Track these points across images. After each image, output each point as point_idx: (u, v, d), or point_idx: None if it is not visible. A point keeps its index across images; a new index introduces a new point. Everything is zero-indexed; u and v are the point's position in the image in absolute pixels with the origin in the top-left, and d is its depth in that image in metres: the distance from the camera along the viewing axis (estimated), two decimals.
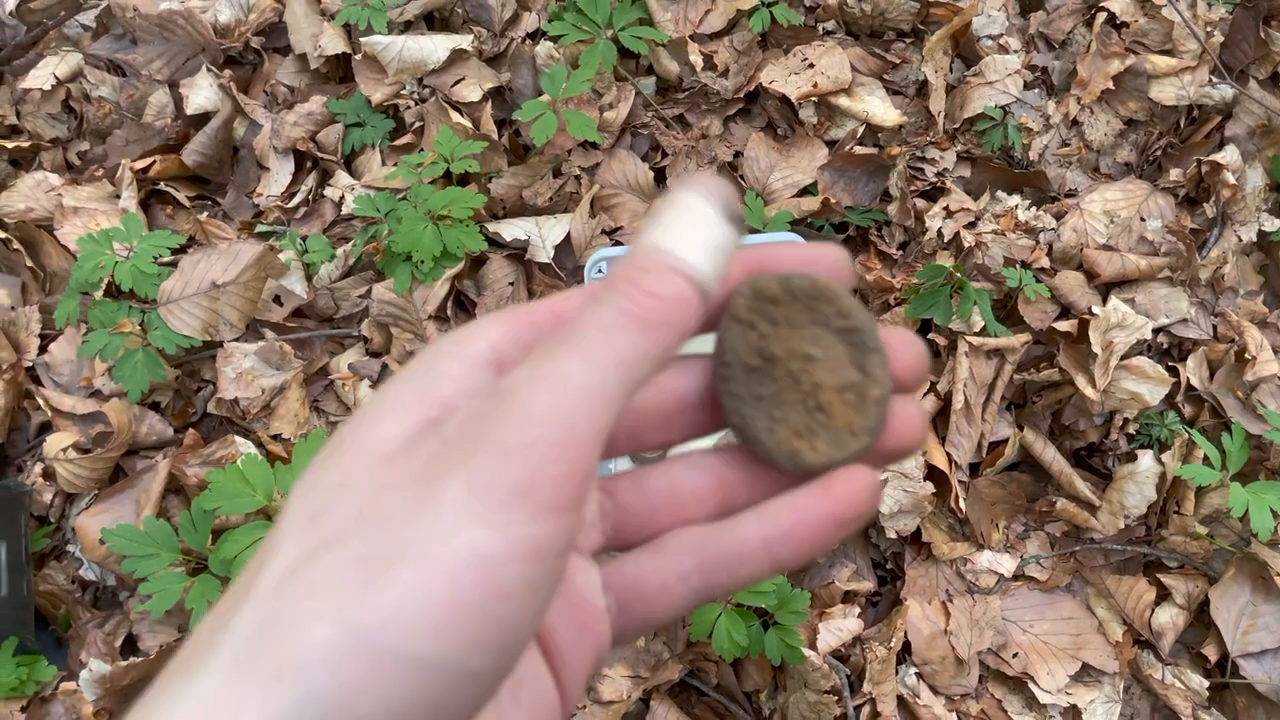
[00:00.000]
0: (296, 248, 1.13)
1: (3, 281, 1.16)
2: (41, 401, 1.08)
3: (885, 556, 1.04)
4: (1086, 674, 0.97)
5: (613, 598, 0.30)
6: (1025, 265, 1.11)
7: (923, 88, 1.21)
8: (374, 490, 0.24)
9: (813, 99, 1.18)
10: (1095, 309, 1.06)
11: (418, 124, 1.21)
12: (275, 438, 1.06)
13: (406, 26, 1.24)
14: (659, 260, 0.26)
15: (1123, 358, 1.03)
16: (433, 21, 1.27)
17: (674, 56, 1.21)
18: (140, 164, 1.20)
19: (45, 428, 1.10)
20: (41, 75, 1.26)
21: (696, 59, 1.19)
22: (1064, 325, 1.06)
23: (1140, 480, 1.00)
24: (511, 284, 1.13)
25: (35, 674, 0.97)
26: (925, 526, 1.02)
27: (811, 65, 1.18)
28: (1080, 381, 1.02)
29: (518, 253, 1.14)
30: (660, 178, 1.19)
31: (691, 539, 0.29)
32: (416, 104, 1.21)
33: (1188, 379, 1.05)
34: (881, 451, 0.30)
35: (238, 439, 1.05)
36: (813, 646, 0.93)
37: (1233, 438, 0.96)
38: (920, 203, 1.16)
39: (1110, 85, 1.16)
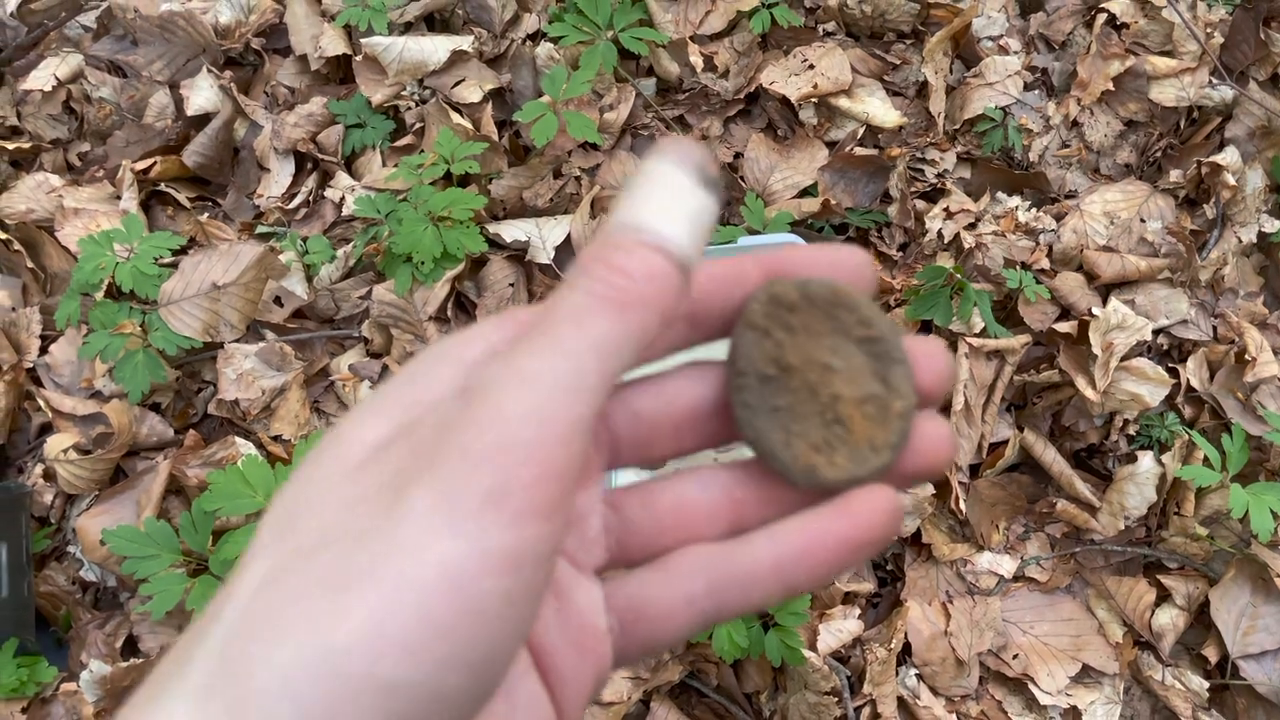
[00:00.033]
0: (297, 249, 1.13)
1: (3, 282, 1.16)
2: (42, 402, 1.08)
3: (885, 558, 1.04)
4: (1087, 675, 0.97)
5: (615, 618, 0.28)
6: (1025, 266, 1.11)
7: (923, 89, 1.21)
8: (343, 503, 0.23)
9: (813, 100, 1.18)
10: (1095, 310, 1.06)
11: (418, 125, 1.21)
12: (276, 439, 1.06)
13: (407, 28, 1.24)
14: (630, 236, 0.24)
15: (1123, 359, 1.03)
16: (433, 23, 1.27)
17: (674, 58, 1.21)
18: (141, 165, 1.20)
19: (46, 429, 1.10)
20: (42, 76, 1.26)
21: (697, 60, 1.19)
22: (1064, 326, 1.06)
23: (1140, 481, 1.00)
24: (512, 285, 1.13)
25: (36, 675, 0.97)
26: (925, 528, 1.02)
27: (812, 66, 1.18)
28: (1080, 383, 1.02)
29: (518, 254, 1.14)
30: None
31: (700, 559, 0.28)
32: (417, 105, 1.21)
33: (1188, 380, 1.06)
34: (904, 470, 0.28)
35: (238, 440, 1.05)
36: (813, 648, 0.93)
37: (1233, 439, 0.96)
38: (920, 204, 1.16)
39: (1110, 86, 1.16)
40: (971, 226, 1.13)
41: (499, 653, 0.22)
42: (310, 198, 1.20)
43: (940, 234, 1.11)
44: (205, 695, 0.20)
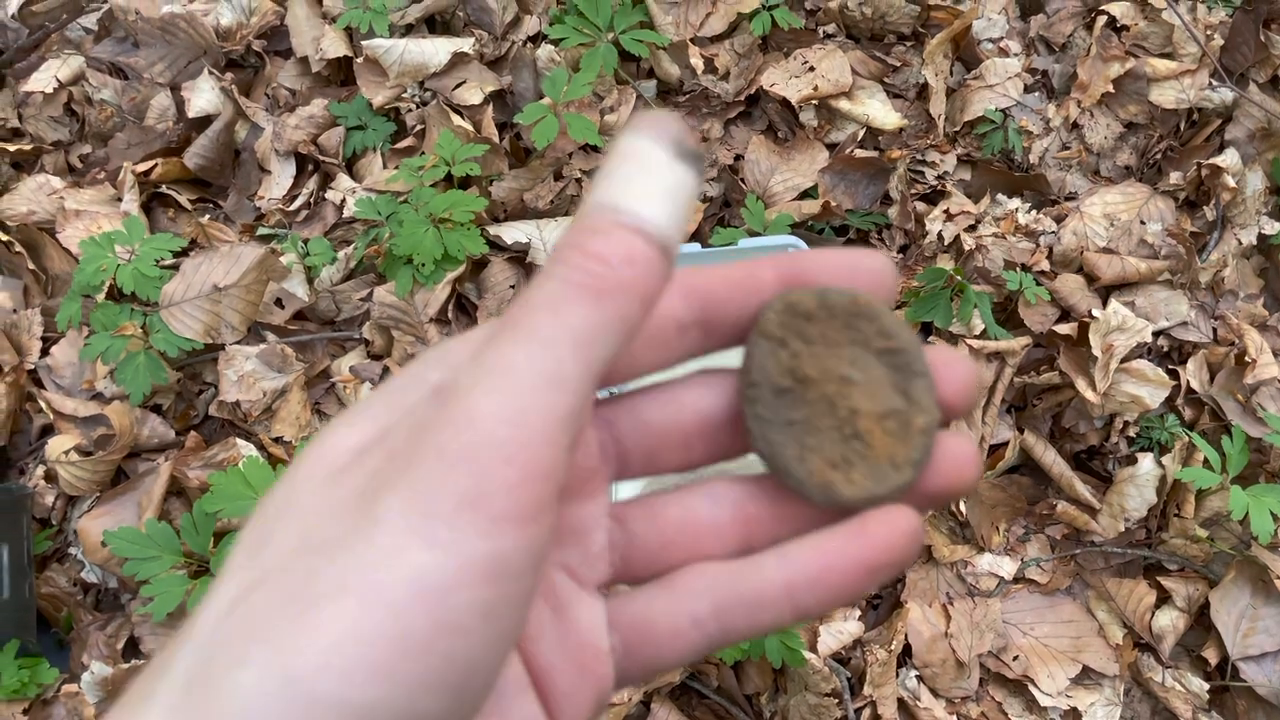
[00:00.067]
0: (298, 250, 1.13)
1: (5, 284, 1.16)
2: (43, 404, 1.08)
3: None
4: (1087, 677, 0.97)
5: (618, 637, 0.27)
6: (1025, 268, 1.11)
7: (923, 91, 1.21)
8: (315, 514, 0.22)
9: (813, 102, 1.18)
10: (1095, 312, 1.06)
11: (419, 127, 1.21)
12: (277, 440, 1.06)
13: (408, 30, 1.24)
14: (606, 219, 0.22)
15: (1123, 361, 1.03)
16: (434, 25, 1.27)
17: (675, 59, 1.21)
18: (142, 167, 1.20)
19: (47, 430, 1.10)
20: (43, 78, 1.26)
21: (697, 62, 1.19)
22: (1064, 328, 1.06)
23: (1140, 483, 1.00)
24: (513, 287, 1.13)
25: (37, 676, 0.97)
26: (926, 529, 1.02)
27: (812, 68, 1.18)
28: (1080, 384, 1.02)
29: (519, 255, 1.14)
30: None
31: (708, 578, 0.27)
32: (418, 107, 1.22)
33: (1188, 382, 1.06)
34: (926, 490, 0.27)
35: (239, 441, 1.05)
36: (813, 649, 0.94)
37: (1233, 441, 0.97)
38: (920, 206, 1.16)
39: (1110, 88, 1.16)
40: (972, 228, 1.13)
41: (481, 670, 0.21)
42: (311, 200, 1.20)
43: (940, 236, 1.12)
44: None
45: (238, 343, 1.09)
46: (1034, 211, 1.14)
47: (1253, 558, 0.96)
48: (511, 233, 1.12)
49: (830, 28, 1.24)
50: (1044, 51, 1.24)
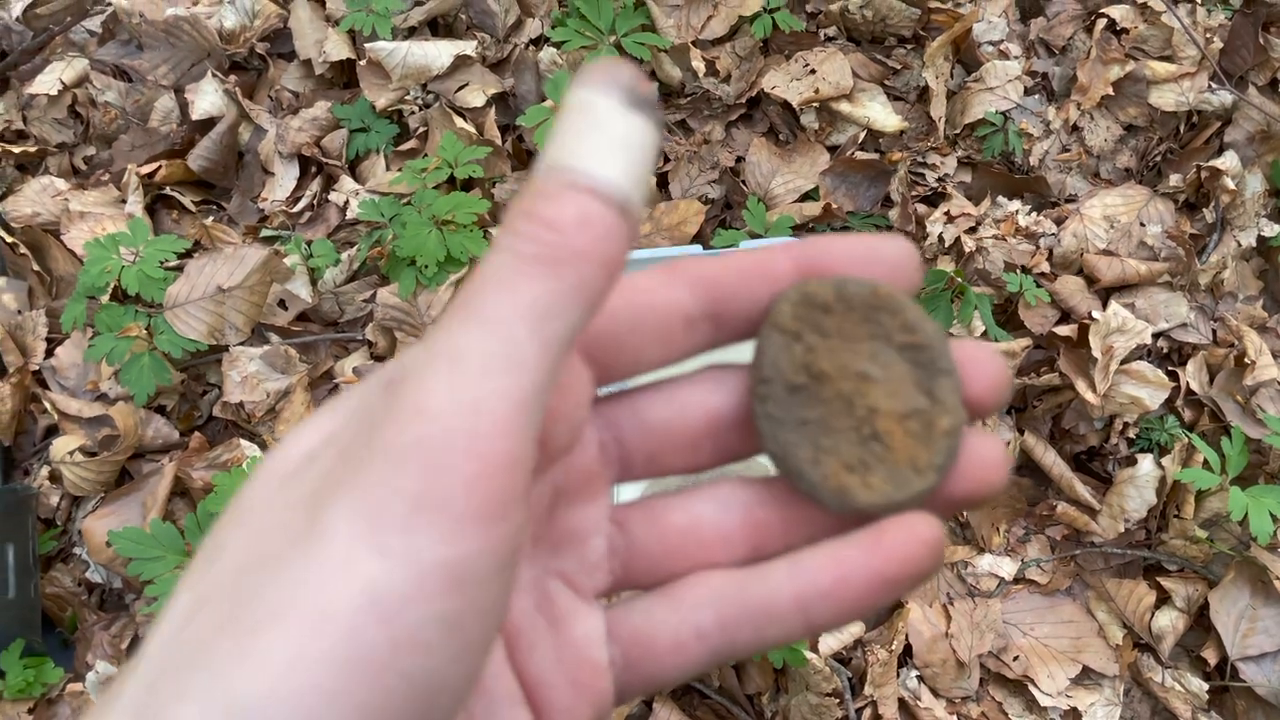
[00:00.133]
0: (301, 252, 1.13)
1: (9, 286, 1.16)
2: (48, 405, 1.09)
3: None
4: (1087, 677, 0.98)
5: (618, 650, 0.25)
6: (1026, 270, 1.11)
7: (924, 93, 1.21)
8: (264, 524, 0.20)
9: (814, 105, 1.18)
10: (1095, 314, 1.07)
11: (422, 129, 1.22)
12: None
13: (410, 32, 1.25)
14: (554, 181, 0.20)
15: (1123, 362, 1.04)
16: (436, 28, 1.27)
17: (676, 62, 1.21)
18: (146, 169, 1.21)
19: (52, 431, 1.11)
20: (48, 80, 1.27)
21: (699, 65, 1.20)
22: (1064, 330, 1.07)
23: (1140, 484, 1.00)
24: None
25: (42, 676, 0.97)
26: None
27: (813, 71, 1.19)
28: (1080, 386, 1.03)
29: None
30: (663, 182, 1.19)
31: (713, 588, 0.25)
32: (420, 109, 1.22)
33: (1187, 383, 1.06)
34: (950, 495, 0.25)
35: (243, 442, 1.05)
36: (814, 649, 0.94)
37: (1232, 442, 0.97)
38: (921, 208, 1.16)
39: (1110, 91, 1.17)
40: (972, 230, 1.13)
41: (448, 688, 0.19)
42: (314, 201, 1.21)
43: (941, 238, 1.12)
44: None
45: (241, 344, 1.09)
46: (1034, 214, 1.15)
47: (1252, 558, 0.96)
48: None
49: (831, 30, 1.24)
50: (1044, 54, 1.25)
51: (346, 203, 1.18)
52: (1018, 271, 1.10)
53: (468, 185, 1.15)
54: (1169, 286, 1.11)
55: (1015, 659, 0.98)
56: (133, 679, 0.19)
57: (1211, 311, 1.12)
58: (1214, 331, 1.11)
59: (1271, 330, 1.10)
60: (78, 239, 1.16)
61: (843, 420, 0.25)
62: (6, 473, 1.10)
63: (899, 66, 1.23)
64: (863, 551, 0.24)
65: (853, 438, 0.25)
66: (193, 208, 1.21)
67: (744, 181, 1.18)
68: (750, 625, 0.24)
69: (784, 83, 1.18)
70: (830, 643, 0.95)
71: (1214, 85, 1.17)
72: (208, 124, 1.24)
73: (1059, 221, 1.14)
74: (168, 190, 1.22)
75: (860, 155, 1.17)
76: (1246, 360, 1.05)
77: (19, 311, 1.15)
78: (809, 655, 0.91)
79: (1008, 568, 1.02)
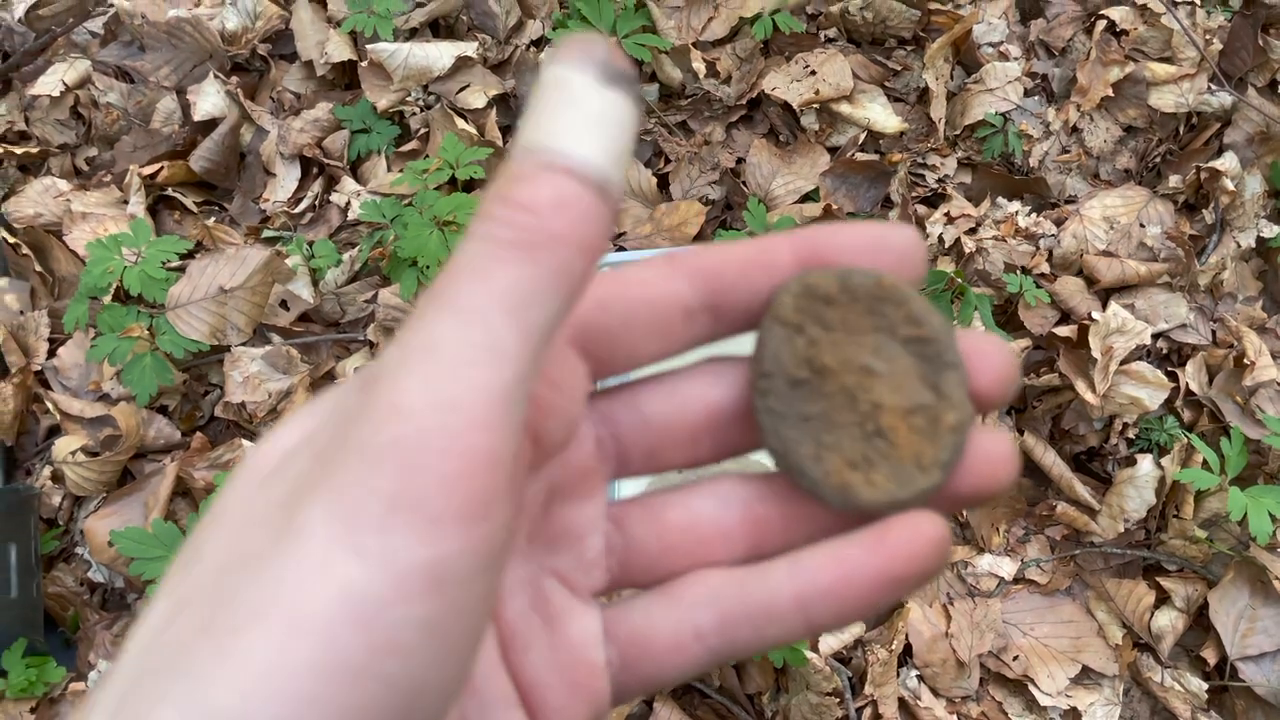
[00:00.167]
0: (303, 253, 1.14)
1: (12, 286, 1.17)
2: (50, 405, 1.09)
3: None
4: (1086, 676, 0.98)
5: (615, 650, 0.24)
6: (1025, 271, 1.11)
7: (924, 95, 1.22)
8: (241, 525, 0.19)
9: (814, 106, 1.19)
10: (1095, 314, 1.07)
11: (423, 130, 1.22)
12: None
13: (412, 34, 1.25)
14: (529, 162, 0.20)
15: (1122, 363, 1.04)
16: (438, 29, 1.28)
17: (677, 64, 1.22)
18: (148, 170, 1.21)
19: (54, 431, 1.11)
20: (50, 82, 1.27)
21: (699, 66, 1.20)
22: (1064, 330, 1.07)
23: (1140, 484, 1.00)
24: None
25: (44, 675, 0.97)
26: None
27: (813, 72, 1.19)
28: (1080, 386, 1.03)
29: None
30: (664, 183, 1.20)
31: (712, 587, 0.24)
32: (422, 111, 1.22)
33: (1187, 384, 1.06)
34: (956, 493, 0.24)
35: (245, 442, 1.05)
36: (814, 649, 0.94)
37: (1231, 442, 0.97)
38: (921, 209, 1.17)
39: (1110, 92, 1.17)
40: (972, 231, 1.13)
41: (430, 692, 0.18)
42: (316, 202, 1.21)
43: (941, 239, 1.12)
44: None
45: (243, 344, 1.10)
46: (1034, 214, 1.15)
47: (1251, 558, 0.96)
48: None
49: (831, 32, 1.25)
50: (1044, 56, 1.25)
51: (348, 204, 1.19)
52: (1017, 272, 1.10)
53: (469, 186, 1.16)
54: (1168, 287, 1.11)
55: (1015, 659, 0.98)
56: (113, 681, 0.18)
57: (1211, 312, 1.12)
58: (1213, 332, 1.11)
59: (1271, 331, 1.11)
60: (80, 240, 1.17)
61: (846, 416, 0.24)
62: (9, 473, 1.10)
63: (899, 68, 1.23)
64: (865, 551, 0.23)
65: (856, 434, 0.24)
66: (194, 209, 1.21)
67: (744, 182, 1.18)
68: (750, 625, 0.24)
69: (784, 84, 1.19)
70: (830, 642, 0.95)
71: (1213, 87, 1.17)
72: (209, 125, 1.24)
73: (1059, 222, 1.15)
74: (170, 191, 1.22)
75: (860, 156, 1.17)
76: (1246, 361, 1.05)
77: (21, 312, 1.16)
78: (809, 655, 0.92)
79: (1008, 568, 1.02)
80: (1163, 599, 1.00)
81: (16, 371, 1.10)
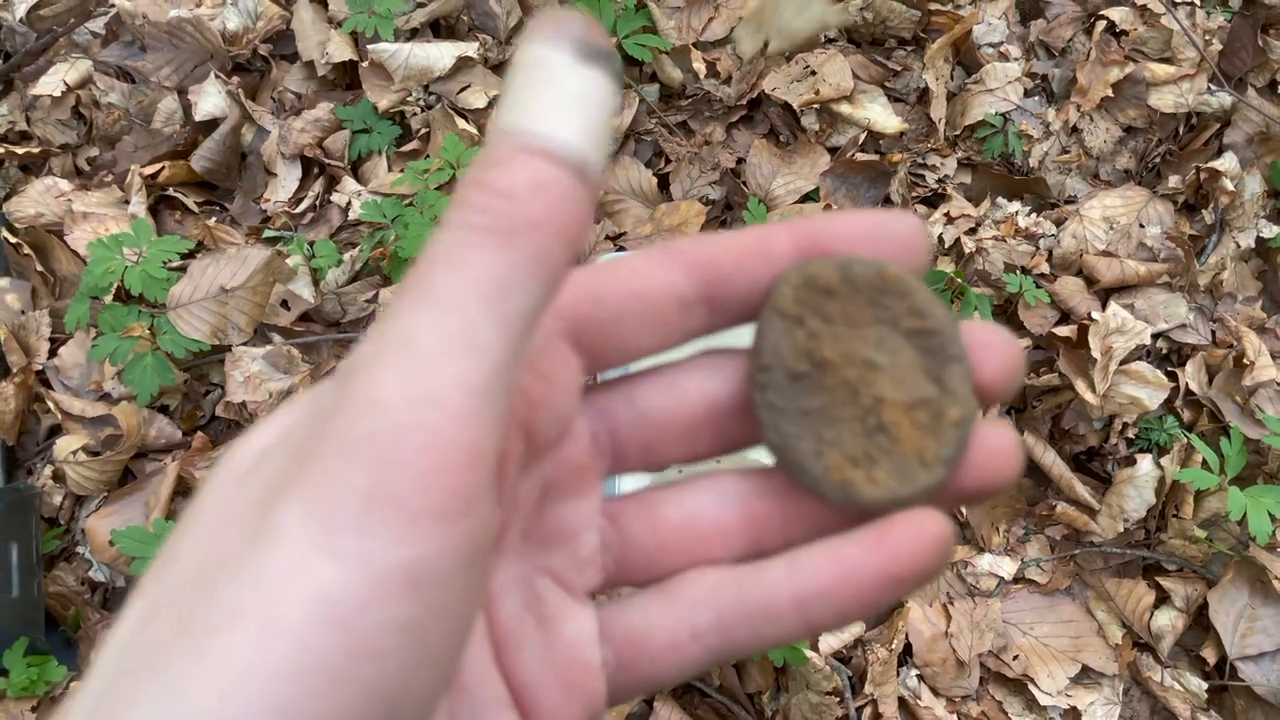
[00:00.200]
0: (304, 253, 1.14)
1: (13, 286, 1.17)
2: (51, 405, 1.09)
3: None
4: (1086, 676, 0.98)
5: (610, 650, 0.24)
6: (1025, 271, 1.11)
7: (924, 95, 1.22)
8: (217, 524, 0.19)
9: (815, 106, 1.19)
10: (1095, 314, 1.07)
11: (424, 130, 1.22)
12: None
13: (413, 34, 1.25)
14: (506, 145, 0.19)
15: (1122, 363, 1.04)
16: (439, 29, 1.28)
17: (677, 63, 1.22)
18: (149, 170, 1.21)
19: (55, 431, 1.11)
20: (51, 82, 1.27)
21: (699, 66, 1.20)
22: (1064, 330, 1.07)
23: (1139, 484, 1.01)
24: None
25: (45, 674, 0.98)
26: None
27: (813, 73, 1.19)
28: (1080, 386, 1.03)
29: None
30: (664, 184, 1.20)
31: (710, 586, 0.24)
32: (423, 111, 1.23)
33: (1186, 384, 1.06)
34: (960, 489, 0.24)
35: None
36: (814, 648, 0.94)
37: (1231, 442, 0.97)
38: (921, 209, 1.17)
39: (1110, 93, 1.17)
40: (972, 231, 1.14)
41: (412, 696, 0.18)
42: (317, 202, 1.21)
43: (941, 239, 1.12)
44: None
45: (244, 344, 1.10)
46: (1034, 215, 1.15)
47: (1251, 558, 0.97)
48: None
49: (831, 32, 1.25)
50: (1044, 56, 1.25)
51: (349, 204, 1.19)
52: (1017, 272, 1.10)
53: None
54: (1168, 287, 1.11)
55: (1015, 658, 0.98)
56: (92, 682, 0.18)
57: (1210, 312, 1.12)
58: (1213, 332, 1.11)
59: (1270, 331, 1.11)
60: (81, 239, 1.17)
61: (847, 410, 0.24)
62: (10, 472, 1.10)
63: (899, 68, 1.23)
64: (866, 549, 0.23)
65: (857, 429, 0.24)
66: (195, 208, 1.21)
67: (745, 183, 1.19)
68: (748, 625, 0.23)
69: (784, 84, 1.19)
70: (830, 641, 0.95)
71: (1213, 87, 1.17)
72: (210, 125, 1.24)
73: (1058, 222, 1.15)
74: (171, 191, 1.22)
75: (861, 156, 1.18)
76: (1245, 361, 1.05)
77: (22, 311, 1.16)
78: (809, 654, 0.92)
79: (1007, 567, 1.02)
80: (1162, 599, 1.00)
81: (18, 371, 1.10)
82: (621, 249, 1.14)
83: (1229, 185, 1.12)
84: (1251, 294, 1.14)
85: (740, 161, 1.20)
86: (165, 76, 1.29)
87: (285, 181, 1.22)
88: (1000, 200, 1.17)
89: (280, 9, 1.30)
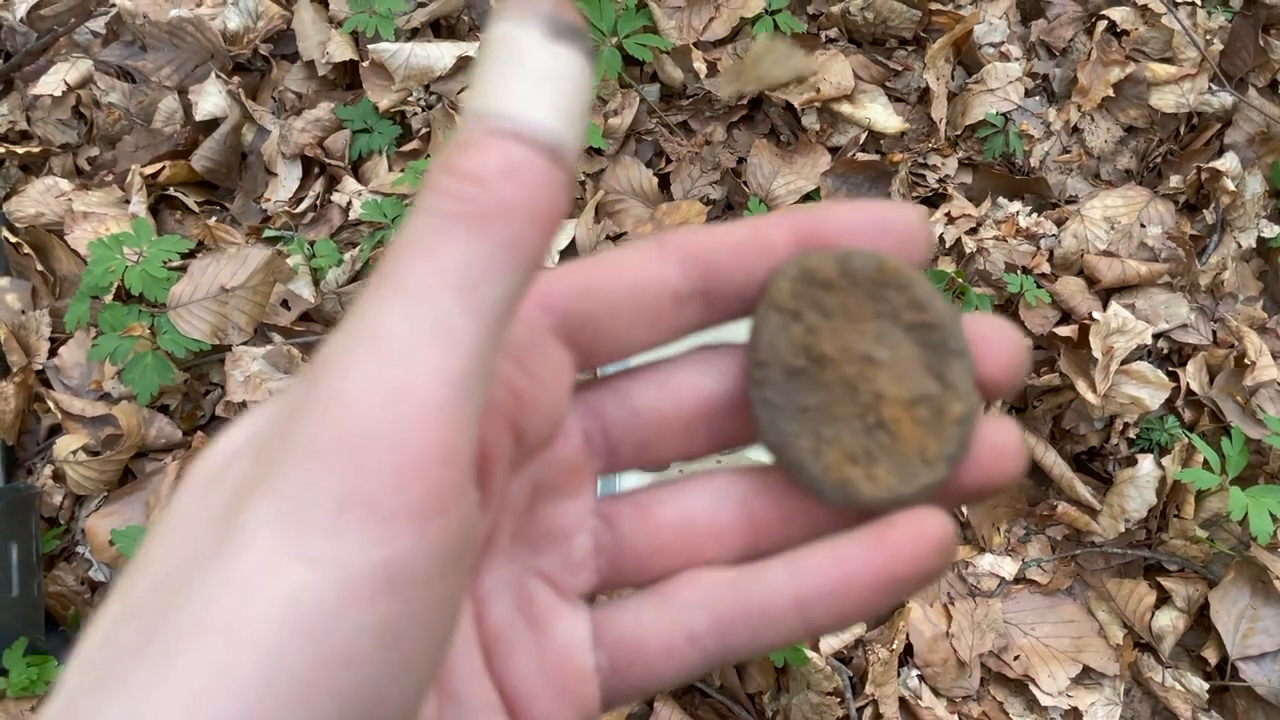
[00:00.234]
0: (304, 252, 1.14)
1: (13, 285, 1.17)
2: (51, 404, 1.09)
3: None
4: (1087, 676, 0.98)
5: (604, 655, 0.23)
6: (1026, 271, 1.11)
7: (924, 95, 1.22)
8: (186, 528, 0.18)
9: (815, 106, 1.19)
10: (1096, 314, 1.07)
11: (424, 130, 1.22)
12: None
13: (413, 34, 1.25)
14: (475, 128, 0.18)
15: (1123, 363, 1.04)
16: (439, 29, 1.28)
17: (678, 63, 1.22)
18: (150, 169, 1.21)
19: (55, 430, 1.11)
20: (52, 81, 1.27)
21: (700, 66, 1.20)
22: (1065, 330, 1.07)
23: (1140, 484, 1.00)
24: None
25: (45, 674, 0.97)
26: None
27: (815, 73, 1.19)
28: (1081, 386, 1.03)
29: None
30: (665, 183, 1.20)
31: (707, 588, 0.23)
32: (423, 111, 1.23)
33: (1187, 384, 1.06)
34: (962, 487, 0.23)
35: None
36: (815, 648, 0.94)
37: (1232, 442, 0.97)
38: (922, 209, 1.17)
39: (1111, 92, 1.17)
40: (973, 231, 1.13)
41: (390, 702, 0.17)
42: (317, 202, 1.21)
43: (942, 239, 1.12)
44: None
45: (244, 344, 1.10)
46: (1035, 214, 1.15)
47: (1252, 558, 0.96)
48: None
49: (832, 32, 1.25)
50: (1045, 56, 1.25)
51: (349, 203, 1.19)
52: (1018, 272, 1.10)
53: None
54: (1169, 287, 1.11)
55: (1016, 658, 0.98)
56: (55, 699, 0.17)
57: (1211, 312, 1.12)
58: (1214, 332, 1.11)
59: (1271, 331, 1.11)
60: (81, 239, 1.17)
61: (846, 407, 0.23)
62: (10, 472, 1.10)
63: (900, 68, 1.23)
64: (866, 550, 0.22)
65: (857, 426, 0.23)
66: (196, 208, 1.21)
67: (745, 182, 1.19)
68: (746, 628, 0.23)
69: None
70: (831, 642, 0.95)
71: (1214, 87, 1.17)
72: (211, 125, 1.24)
73: (1059, 222, 1.15)
74: (171, 191, 1.22)
75: (861, 156, 1.17)
76: (1246, 361, 1.05)
77: (23, 311, 1.16)
78: (810, 654, 0.92)
79: (1008, 567, 1.02)
80: (1163, 599, 1.00)
81: (18, 371, 1.10)
82: None
83: (1230, 185, 1.12)
84: (1252, 294, 1.14)
85: (741, 161, 1.20)
86: (166, 76, 1.29)
87: (286, 181, 1.22)
88: (1001, 200, 1.17)
89: (281, 9, 1.30)
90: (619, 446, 0.24)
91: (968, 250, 1.10)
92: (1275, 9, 1.19)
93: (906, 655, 0.99)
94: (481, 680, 0.22)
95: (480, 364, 0.18)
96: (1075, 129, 1.20)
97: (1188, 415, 1.07)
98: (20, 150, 1.25)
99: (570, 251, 1.14)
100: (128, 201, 1.21)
